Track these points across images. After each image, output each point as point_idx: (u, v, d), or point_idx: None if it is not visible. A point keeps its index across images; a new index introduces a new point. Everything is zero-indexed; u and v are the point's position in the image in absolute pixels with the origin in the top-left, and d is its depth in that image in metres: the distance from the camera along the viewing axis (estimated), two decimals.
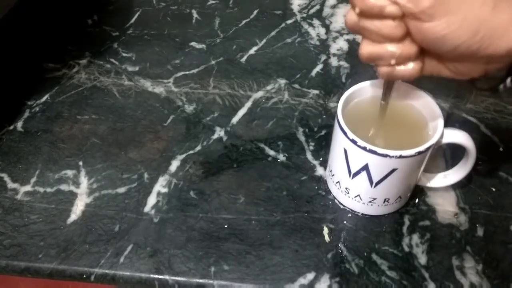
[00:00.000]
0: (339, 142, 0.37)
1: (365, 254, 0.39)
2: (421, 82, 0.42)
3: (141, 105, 0.52)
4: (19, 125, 0.51)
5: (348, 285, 0.37)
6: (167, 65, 0.57)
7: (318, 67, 0.56)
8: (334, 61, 0.57)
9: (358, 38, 0.60)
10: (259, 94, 0.53)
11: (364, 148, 0.35)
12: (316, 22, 0.63)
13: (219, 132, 0.49)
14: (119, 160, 0.47)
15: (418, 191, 0.42)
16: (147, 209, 0.42)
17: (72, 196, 0.44)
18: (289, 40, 0.60)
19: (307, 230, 0.40)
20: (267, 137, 0.48)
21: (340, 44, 0.59)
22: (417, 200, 0.42)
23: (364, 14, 0.29)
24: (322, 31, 0.62)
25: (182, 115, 0.51)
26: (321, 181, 0.44)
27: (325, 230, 0.40)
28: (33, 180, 0.45)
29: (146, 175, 0.45)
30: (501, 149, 0.47)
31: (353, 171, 0.38)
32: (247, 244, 0.40)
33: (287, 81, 0.55)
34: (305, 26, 0.62)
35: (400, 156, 0.34)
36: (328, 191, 0.43)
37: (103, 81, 0.55)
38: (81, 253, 0.39)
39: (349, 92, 0.39)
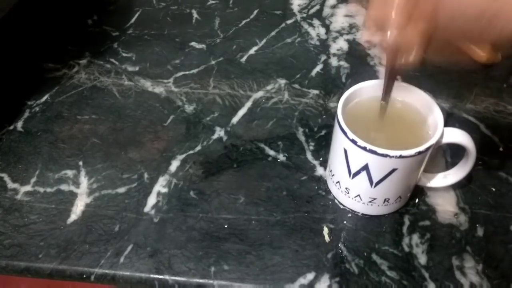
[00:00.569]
0: (339, 142, 0.37)
1: (365, 254, 0.39)
2: (421, 82, 0.42)
3: (141, 105, 0.52)
4: (19, 125, 0.51)
5: (348, 285, 0.37)
6: (167, 65, 0.57)
7: (318, 67, 0.56)
8: (334, 61, 0.57)
9: (358, 38, 0.60)
10: (259, 94, 0.53)
11: (364, 148, 0.35)
12: (316, 22, 0.63)
13: (219, 132, 0.49)
14: (119, 160, 0.47)
15: (418, 191, 0.42)
16: (147, 209, 0.42)
17: (72, 196, 0.44)
18: (289, 40, 0.60)
19: (307, 230, 0.40)
20: (267, 137, 0.48)
21: (340, 44, 0.59)
22: (417, 200, 0.42)
23: None
24: (322, 31, 0.62)
25: (182, 115, 0.51)
26: (321, 181, 0.44)
27: (325, 230, 0.40)
28: (33, 180, 0.45)
29: (146, 175, 0.45)
30: (501, 149, 0.46)
31: (353, 171, 0.38)
32: (247, 244, 0.40)
33: (287, 81, 0.55)
34: (305, 26, 0.62)
35: (400, 156, 0.34)
36: (328, 191, 0.43)
37: (103, 81, 0.55)
38: (81, 253, 0.39)
39: (349, 92, 0.39)
